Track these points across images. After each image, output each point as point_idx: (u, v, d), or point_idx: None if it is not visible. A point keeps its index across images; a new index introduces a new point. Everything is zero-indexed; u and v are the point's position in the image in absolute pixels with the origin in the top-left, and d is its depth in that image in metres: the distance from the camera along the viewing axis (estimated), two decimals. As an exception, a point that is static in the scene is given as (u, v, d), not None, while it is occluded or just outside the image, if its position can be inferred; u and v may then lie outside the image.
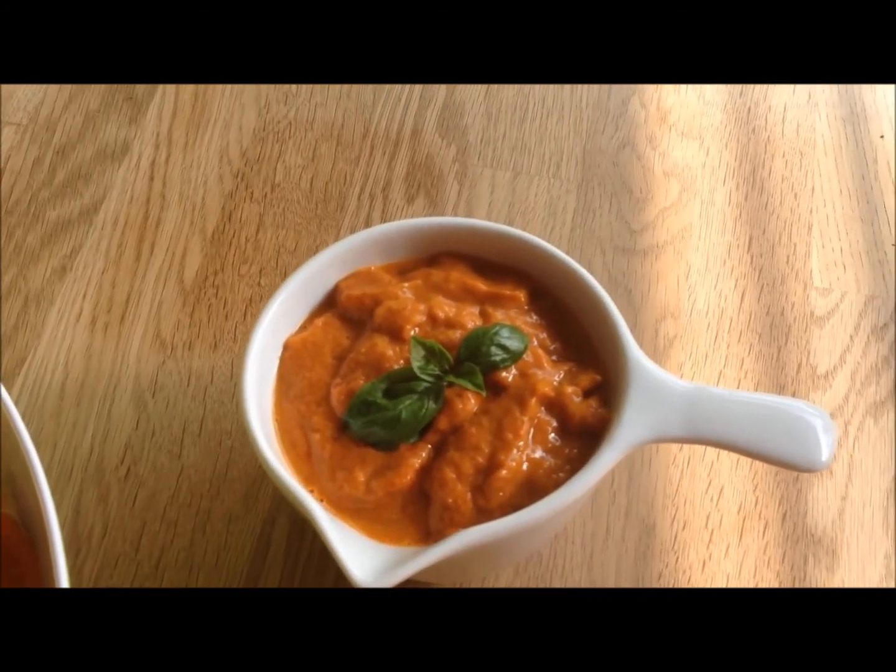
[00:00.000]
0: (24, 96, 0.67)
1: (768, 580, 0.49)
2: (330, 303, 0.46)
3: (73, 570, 0.48)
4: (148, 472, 0.51)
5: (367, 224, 0.62)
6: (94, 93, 0.67)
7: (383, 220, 0.62)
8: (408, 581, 0.36)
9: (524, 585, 0.48)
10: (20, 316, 0.56)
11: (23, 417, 0.51)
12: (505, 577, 0.49)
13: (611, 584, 0.48)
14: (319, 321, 0.45)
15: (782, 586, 0.49)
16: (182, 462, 0.52)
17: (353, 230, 0.62)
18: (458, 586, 0.48)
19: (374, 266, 0.47)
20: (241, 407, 0.41)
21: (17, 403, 0.53)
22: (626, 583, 0.49)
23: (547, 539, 0.48)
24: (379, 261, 0.47)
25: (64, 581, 0.35)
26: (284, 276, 0.59)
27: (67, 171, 0.63)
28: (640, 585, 0.48)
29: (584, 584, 0.48)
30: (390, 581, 0.36)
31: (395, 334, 0.43)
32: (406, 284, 0.45)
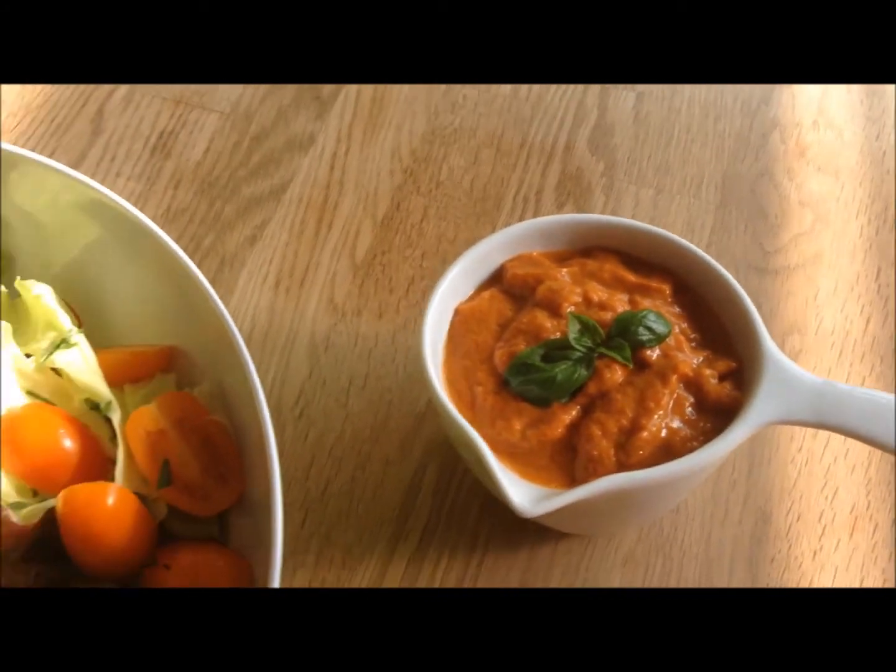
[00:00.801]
0: (228, 88, 0.76)
1: (874, 576, 0.52)
2: (495, 280, 0.53)
3: (250, 489, 0.55)
4: (318, 414, 0.59)
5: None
6: (287, 91, 0.76)
7: (534, 221, 0.68)
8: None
9: (646, 551, 0.53)
10: (217, 274, 0.65)
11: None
12: (628, 542, 0.54)
13: (726, 562, 0.53)
14: (486, 294, 0.52)
15: (886, 584, 0.52)
16: (347, 410, 0.59)
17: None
18: (587, 539, 0.53)
19: (536, 252, 0.53)
20: (420, 358, 0.48)
21: (209, 346, 0.61)
22: (741, 562, 0.53)
23: (670, 504, 0.53)
24: (540, 248, 0.54)
25: (277, 482, 0.43)
26: (444, 261, 0.66)
27: (261, 155, 0.72)
28: (754, 566, 0.53)
29: (701, 558, 0.53)
30: (545, 508, 0.42)
31: (554, 310, 0.49)
32: (564, 270, 0.52)
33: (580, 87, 0.76)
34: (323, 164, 0.72)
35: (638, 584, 0.53)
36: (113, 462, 0.49)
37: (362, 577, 0.53)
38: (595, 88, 0.77)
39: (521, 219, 0.69)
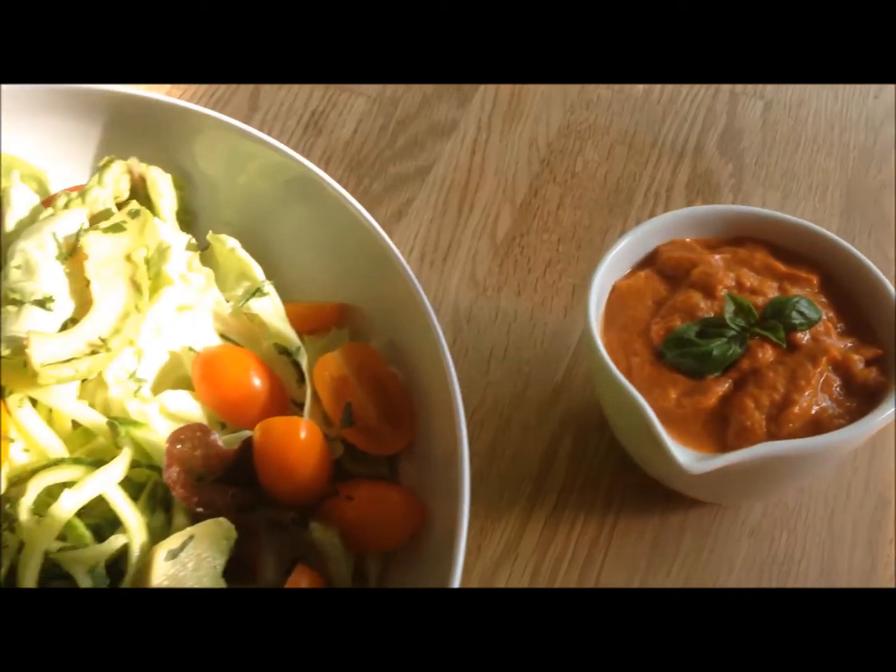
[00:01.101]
0: (374, 76, 0.81)
1: None
2: (649, 261, 0.57)
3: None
4: (461, 380, 0.61)
5: (652, 216, 0.72)
6: (430, 80, 0.81)
7: (665, 215, 0.72)
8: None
9: (771, 525, 0.57)
10: (367, 244, 0.70)
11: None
12: (754, 516, 0.57)
13: (847, 540, 0.56)
14: (642, 273, 0.56)
15: None
16: (488, 378, 0.63)
17: (638, 220, 0.72)
18: (715, 510, 0.57)
19: (688, 238, 0.57)
20: (587, 325, 0.52)
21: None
22: (861, 541, 0.56)
23: (810, 478, 0.56)
24: (692, 235, 0.57)
25: (463, 435, 0.47)
26: (580, 246, 0.71)
27: (406, 138, 0.77)
28: (874, 547, 0.56)
29: (823, 535, 0.56)
30: (708, 466, 0.45)
31: (708, 292, 0.53)
32: (717, 256, 0.55)
33: (710, 92, 0.80)
34: (464, 150, 0.76)
35: (763, 555, 0.56)
36: (295, 403, 0.54)
37: (501, 533, 0.57)
38: (724, 95, 0.80)
39: (652, 212, 0.72)
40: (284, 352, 0.53)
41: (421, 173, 0.74)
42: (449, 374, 0.50)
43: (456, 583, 0.44)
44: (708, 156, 0.76)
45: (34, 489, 0.46)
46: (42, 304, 0.50)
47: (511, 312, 0.67)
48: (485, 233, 0.71)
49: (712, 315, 0.52)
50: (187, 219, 0.61)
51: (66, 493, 0.45)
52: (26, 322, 0.49)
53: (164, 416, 0.51)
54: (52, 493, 0.47)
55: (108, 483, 0.46)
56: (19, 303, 0.50)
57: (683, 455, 0.46)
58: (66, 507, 0.45)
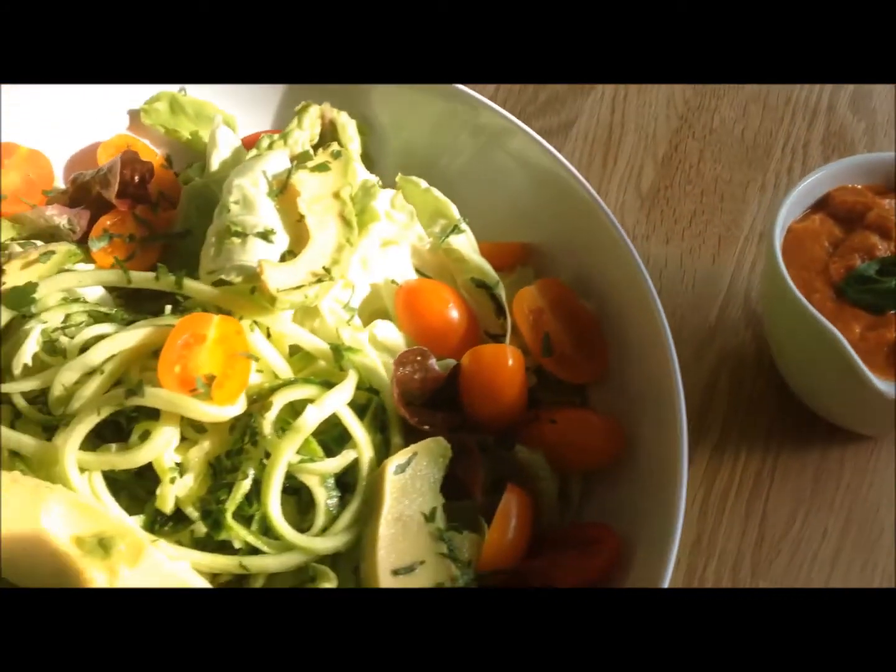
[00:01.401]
0: (508, 34, 0.83)
1: None
2: (821, 206, 0.59)
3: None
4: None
5: (790, 171, 0.75)
6: (563, 39, 0.83)
7: (803, 170, 0.74)
8: None
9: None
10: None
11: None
12: None
13: None
14: (816, 217, 0.58)
15: None
16: (648, 319, 0.66)
17: (777, 175, 0.75)
18: (872, 444, 0.60)
19: (859, 185, 0.60)
20: (774, 264, 0.55)
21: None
22: None
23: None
24: (862, 181, 0.60)
25: (675, 361, 0.51)
26: (722, 199, 0.73)
27: (547, 94, 0.79)
28: None
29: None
30: (903, 390, 0.49)
31: (884, 233, 0.56)
32: (888, 200, 0.58)
33: (839, 52, 0.82)
34: (604, 107, 0.79)
35: (923, 487, 0.59)
36: (487, 333, 0.57)
37: (667, 462, 0.61)
38: (853, 55, 0.82)
39: (790, 167, 0.75)
40: (482, 285, 0.56)
41: (564, 128, 0.77)
42: (655, 306, 0.53)
43: (681, 503, 0.47)
44: (840, 114, 0.78)
45: (278, 404, 0.49)
46: (264, 236, 0.53)
47: (661, 259, 0.70)
48: (630, 185, 0.74)
49: (889, 255, 0.55)
50: (367, 163, 0.64)
51: (310, 408, 0.49)
52: (252, 252, 0.52)
53: (371, 344, 0.54)
54: (283, 410, 0.50)
55: (341, 401, 0.50)
56: (242, 235, 0.53)
57: (882, 382, 0.49)
58: (310, 421, 0.49)
